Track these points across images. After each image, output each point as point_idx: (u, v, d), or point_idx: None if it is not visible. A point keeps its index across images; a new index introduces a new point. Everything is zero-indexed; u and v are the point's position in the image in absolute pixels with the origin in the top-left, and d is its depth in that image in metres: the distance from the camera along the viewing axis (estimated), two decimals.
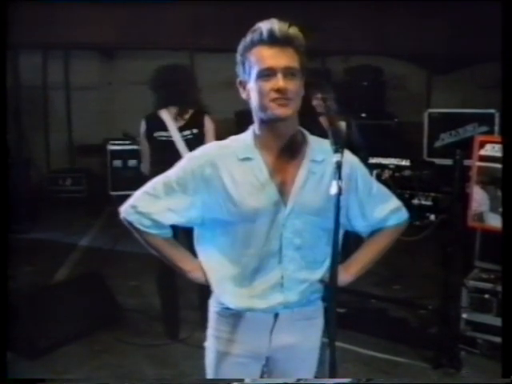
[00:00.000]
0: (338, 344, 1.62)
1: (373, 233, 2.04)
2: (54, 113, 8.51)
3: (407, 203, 2.11)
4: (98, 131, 8.13)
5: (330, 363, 1.63)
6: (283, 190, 1.83)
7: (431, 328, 4.04)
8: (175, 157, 2.00)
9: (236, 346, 1.94)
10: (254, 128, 1.87)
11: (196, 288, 3.69)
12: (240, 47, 1.81)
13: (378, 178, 3.63)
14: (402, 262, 5.00)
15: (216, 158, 1.85)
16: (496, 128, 5.47)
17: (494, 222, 3.66)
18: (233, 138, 1.93)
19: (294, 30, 1.77)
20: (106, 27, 7.58)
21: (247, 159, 1.84)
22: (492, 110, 5.48)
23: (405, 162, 3.86)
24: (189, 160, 1.91)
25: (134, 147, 6.90)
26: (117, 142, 7.49)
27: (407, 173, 3.83)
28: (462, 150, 3.69)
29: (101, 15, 7.52)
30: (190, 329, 4.02)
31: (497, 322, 3.67)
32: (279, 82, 1.73)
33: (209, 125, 3.98)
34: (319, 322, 2.00)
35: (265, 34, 1.74)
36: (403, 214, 2.07)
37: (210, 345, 2.01)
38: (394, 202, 2.05)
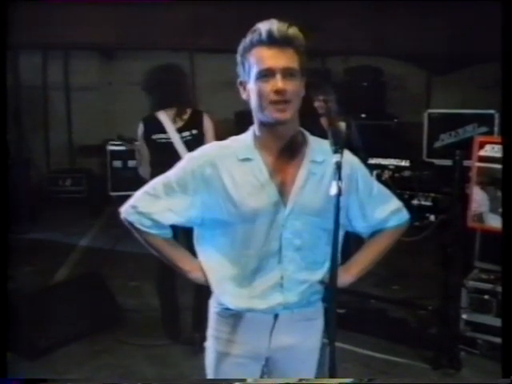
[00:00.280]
0: (337, 344, 1.62)
1: (373, 233, 2.04)
2: (53, 113, 8.51)
3: (407, 204, 2.11)
4: (98, 132, 8.13)
5: (329, 364, 1.63)
6: (283, 191, 1.83)
7: (431, 328, 4.04)
8: (175, 159, 1.98)
9: (236, 346, 1.95)
10: (254, 129, 1.87)
11: (193, 288, 3.70)
12: (240, 48, 1.81)
13: (378, 178, 3.62)
14: (401, 263, 5.00)
15: (216, 158, 1.85)
16: (496, 129, 5.46)
17: (494, 222, 3.66)
18: (233, 138, 1.93)
19: (293, 31, 1.76)
20: (105, 27, 7.58)
21: (247, 160, 1.84)
22: (492, 111, 5.47)
23: (404, 163, 3.86)
24: (189, 160, 1.91)
25: (134, 148, 6.93)
26: (117, 142, 7.50)
27: (407, 173, 3.83)
28: (462, 151, 3.69)
29: (101, 15, 7.51)
30: (189, 329, 4.02)
31: (496, 322, 3.68)
32: (278, 82, 1.73)
33: (208, 124, 3.91)
34: (319, 323, 2.00)
35: (264, 34, 1.74)
36: (404, 215, 2.07)
37: (210, 345, 2.01)
38: (395, 203, 2.05)
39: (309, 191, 1.84)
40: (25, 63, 8.09)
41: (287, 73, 1.74)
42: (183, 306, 4.12)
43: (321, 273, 1.91)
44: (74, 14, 7.35)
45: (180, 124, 3.86)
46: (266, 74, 1.74)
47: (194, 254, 2.00)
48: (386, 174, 3.79)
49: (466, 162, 3.73)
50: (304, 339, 1.98)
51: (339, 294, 1.90)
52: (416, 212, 3.53)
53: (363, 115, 6.86)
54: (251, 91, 1.79)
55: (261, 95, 1.76)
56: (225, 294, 1.93)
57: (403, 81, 8.04)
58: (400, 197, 2.10)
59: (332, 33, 7.32)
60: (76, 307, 4.13)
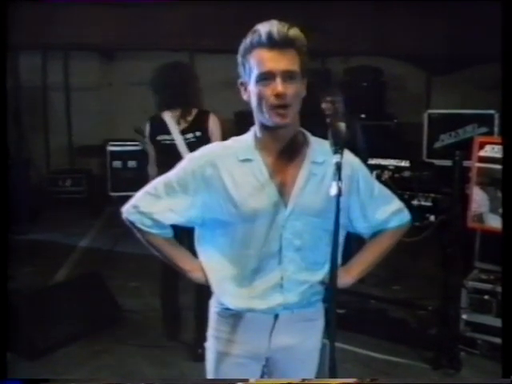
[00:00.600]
0: (337, 345, 1.62)
1: (375, 234, 2.04)
2: (53, 113, 8.52)
3: (407, 204, 2.10)
4: (98, 132, 8.14)
5: (330, 364, 1.63)
6: (283, 191, 1.83)
7: (431, 329, 4.04)
8: (178, 160, 1.98)
9: (236, 346, 1.95)
10: (255, 129, 1.87)
11: (194, 289, 3.70)
12: (240, 48, 1.81)
13: (378, 178, 3.62)
14: (401, 263, 5.00)
15: (216, 158, 1.85)
16: (496, 129, 5.47)
17: (494, 222, 3.66)
18: (234, 138, 1.93)
19: (294, 31, 1.75)
20: (106, 28, 7.58)
21: (247, 160, 1.84)
22: (492, 111, 5.48)
23: (404, 163, 3.85)
24: (189, 160, 1.91)
25: (134, 148, 6.94)
26: (116, 142, 7.51)
27: (407, 174, 3.82)
28: (462, 151, 3.69)
29: (101, 15, 7.52)
30: (190, 329, 4.02)
31: (496, 322, 3.68)
32: (278, 86, 1.73)
33: (214, 125, 3.81)
34: (319, 323, 2.00)
35: (264, 36, 1.73)
36: (405, 216, 2.07)
37: (210, 345, 2.01)
38: (396, 204, 2.05)
39: (309, 192, 1.84)
40: (25, 64, 8.10)
41: (287, 76, 1.74)
42: (183, 306, 4.12)
43: (321, 273, 1.91)
44: (73, 14, 7.36)
45: (184, 126, 3.80)
46: (266, 77, 1.74)
47: (194, 254, 2.00)
48: (386, 175, 3.79)
49: (466, 163, 3.74)
50: (304, 340, 1.98)
51: (339, 295, 1.90)
52: (416, 212, 3.51)
53: (363, 115, 6.85)
54: (251, 93, 1.79)
55: (261, 98, 1.76)
56: (225, 294, 1.93)
57: (403, 81, 8.04)
58: (400, 197, 2.09)
59: (332, 33, 7.32)
60: (76, 307, 4.13)
